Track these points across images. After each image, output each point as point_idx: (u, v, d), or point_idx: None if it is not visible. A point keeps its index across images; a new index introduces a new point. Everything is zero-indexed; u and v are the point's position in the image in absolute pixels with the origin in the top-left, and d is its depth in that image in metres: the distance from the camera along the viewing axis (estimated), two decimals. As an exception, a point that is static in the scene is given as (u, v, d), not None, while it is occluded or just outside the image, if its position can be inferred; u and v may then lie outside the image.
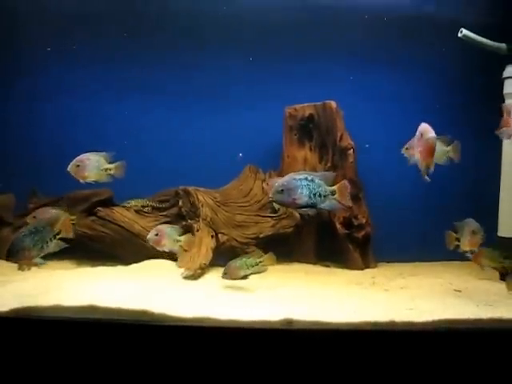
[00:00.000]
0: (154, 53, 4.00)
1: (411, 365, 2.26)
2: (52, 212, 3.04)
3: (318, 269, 3.73)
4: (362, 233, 3.78)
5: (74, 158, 3.05)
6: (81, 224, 3.43)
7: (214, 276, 3.22)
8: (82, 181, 3.05)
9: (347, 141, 3.84)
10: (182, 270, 3.26)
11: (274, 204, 3.63)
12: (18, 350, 2.28)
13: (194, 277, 3.20)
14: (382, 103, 4.02)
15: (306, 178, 2.60)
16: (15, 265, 2.64)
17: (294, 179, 2.60)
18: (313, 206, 2.61)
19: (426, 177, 2.57)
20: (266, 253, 2.99)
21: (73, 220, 3.00)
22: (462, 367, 2.26)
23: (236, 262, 2.92)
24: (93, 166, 3.05)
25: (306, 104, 3.89)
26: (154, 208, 3.76)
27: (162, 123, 4.06)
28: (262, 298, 2.77)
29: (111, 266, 3.43)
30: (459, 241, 2.95)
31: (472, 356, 2.26)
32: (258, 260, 2.93)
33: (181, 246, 3.13)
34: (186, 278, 3.18)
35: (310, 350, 2.26)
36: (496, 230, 3.47)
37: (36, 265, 2.56)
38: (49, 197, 3.72)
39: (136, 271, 3.30)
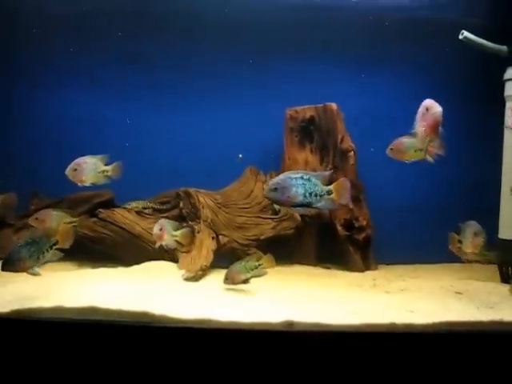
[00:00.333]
0: (154, 53, 4.00)
1: (412, 367, 2.25)
2: (53, 214, 3.04)
3: (319, 271, 3.72)
4: (363, 235, 3.78)
5: (74, 159, 3.06)
6: (82, 225, 3.43)
7: (215, 278, 3.22)
8: (80, 184, 3.06)
9: (348, 143, 3.84)
10: (183, 271, 3.27)
11: (275, 206, 3.64)
12: (18, 351, 2.28)
13: (195, 278, 3.20)
14: (382, 104, 4.01)
15: (302, 177, 2.57)
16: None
17: (290, 178, 2.57)
18: (308, 205, 2.58)
19: (430, 158, 2.53)
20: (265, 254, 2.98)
21: (74, 222, 3.02)
22: (463, 370, 2.25)
23: (236, 266, 2.91)
24: (90, 168, 3.07)
25: (306, 106, 3.89)
26: (154, 209, 3.76)
27: (163, 124, 4.05)
28: (262, 299, 2.77)
29: (112, 267, 3.44)
30: (461, 243, 2.96)
31: (473, 358, 2.25)
32: (257, 263, 2.92)
33: (177, 241, 3.14)
34: (186, 279, 3.18)
35: (311, 352, 2.25)
36: (497, 232, 3.46)
37: (32, 274, 2.58)
38: (50, 198, 3.72)
39: (137, 273, 3.30)
